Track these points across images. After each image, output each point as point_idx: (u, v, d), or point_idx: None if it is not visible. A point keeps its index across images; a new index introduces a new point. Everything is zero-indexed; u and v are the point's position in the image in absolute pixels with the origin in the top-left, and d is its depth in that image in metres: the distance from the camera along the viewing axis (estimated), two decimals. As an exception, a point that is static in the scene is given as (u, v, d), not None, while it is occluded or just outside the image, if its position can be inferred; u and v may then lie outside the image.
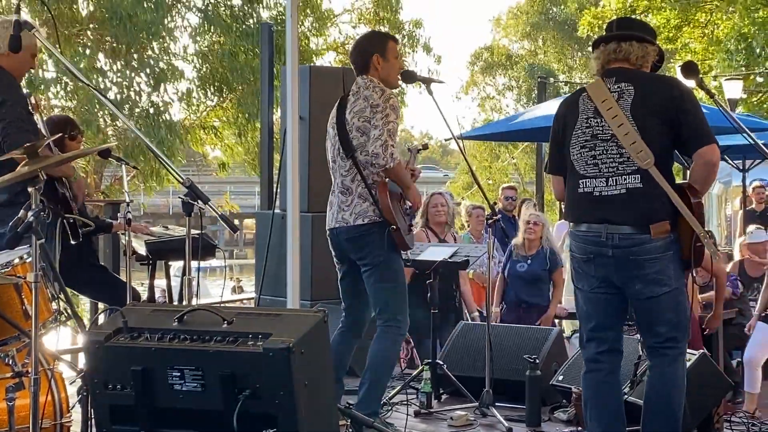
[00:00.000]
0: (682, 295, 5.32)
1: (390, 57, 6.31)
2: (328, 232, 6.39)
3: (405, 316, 6.28)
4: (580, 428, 6.43)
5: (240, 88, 25.59)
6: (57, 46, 5.05)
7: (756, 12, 26.05)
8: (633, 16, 27.71)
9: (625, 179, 5.16)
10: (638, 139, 5.09)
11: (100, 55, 24.19)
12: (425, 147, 6.90)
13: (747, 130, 6.11)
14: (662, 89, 5.26)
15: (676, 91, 5.24)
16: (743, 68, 25.68)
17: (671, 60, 30.38)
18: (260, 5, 25.42)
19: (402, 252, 6.34)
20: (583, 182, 5.28)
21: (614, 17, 29.18)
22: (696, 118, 5.19)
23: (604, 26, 5.86)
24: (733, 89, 22.39)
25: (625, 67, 5.36)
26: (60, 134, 5.48)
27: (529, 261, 9.64)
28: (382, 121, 6.01)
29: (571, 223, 5.46)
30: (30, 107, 5.75)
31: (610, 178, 5.19)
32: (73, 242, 5.33)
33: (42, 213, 4.26)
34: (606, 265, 5.22)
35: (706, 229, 5.14)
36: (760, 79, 26.23)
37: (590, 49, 5.93)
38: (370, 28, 30.44)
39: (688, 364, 6.41)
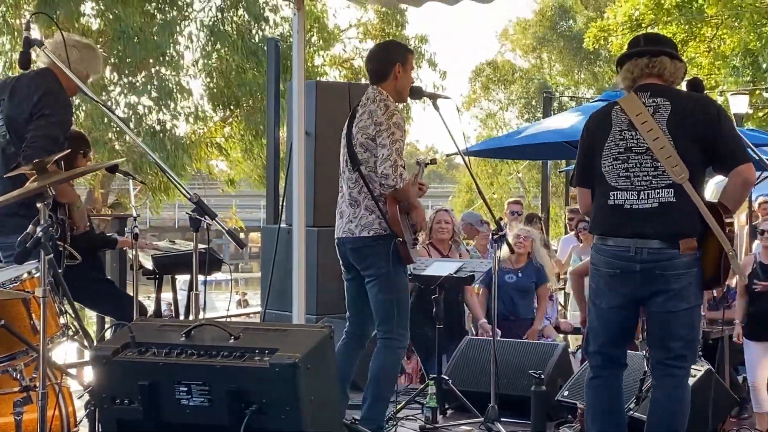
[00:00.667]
0: (699, 314, 5.37)
1: (408, 69, 6.36)
2: (336, 241, 6.38)
3: (405, 329, 6.28)
4: (585, 443, 6.45)
5: (247, 103, 25.69)
6: (68, 61, 5.04)
7: (762, 27, 26.07)
8: (646, 30, 27.91)
9: (658, 193, 5.14)
10: (674, 154, 5.08)
11: (107, 71, 24.27)
12: (433, 162, 6.92)
13: (752, 145, 6.11)
14: (699, 107, 5.26)
15: (713, 109, 5.27)
16: (749, 83, 25.70)
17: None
18: (266, 23, 25.51)
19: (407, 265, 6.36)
20: (614, 194, 5.24)
21: (619, 30, 29.34)
22: (733, 137, 5.23)
23: (614, 40, 5.90)
24: (740, 104, 22.37)
25: (659, 83, 5.35)
26: (70, 150, 5.48)
27: (519, 273, 9.62)
28: (389, 140, 6.01)
29: (597, 236, 5.43)
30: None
31: (642, 192, 5.16)
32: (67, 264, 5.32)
33: (50, 228, 4.28)
34: (632, 280, 5.19)
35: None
36: (766, 95, 26.23)
37: (604, 64, 5.94)
38: (378, 41, 30.52)
39: (693, 380, 6.44)
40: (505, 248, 8.43)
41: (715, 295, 8.81)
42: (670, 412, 5.25)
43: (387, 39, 29.10)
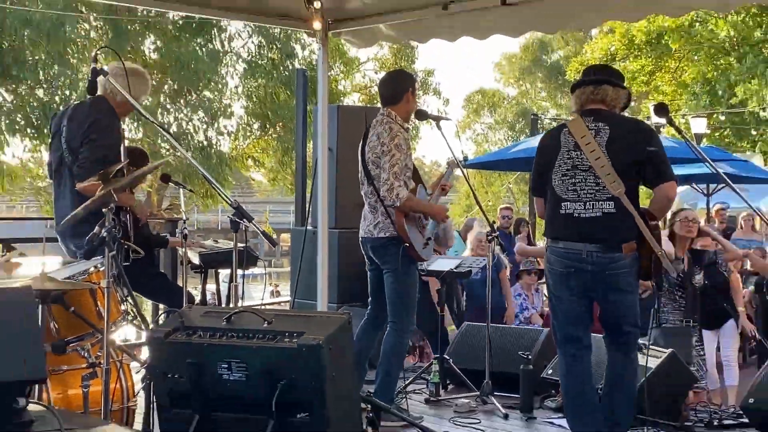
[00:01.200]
0: (638, 300, 5.47)
1: (414, 94, 6.44)
2: (360, 239, 6.42)
3: (410, 317, 6.31)
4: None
5: (279, 124, 25.83)
6: (128, 88, 5.04)
7: (718, 60, 26.06)
8: (610, 63, 27.85)
9: (601, 204, 5.20)
10: (612, 171, 5.13)
11: (162, 96, 24.45)
12: (465, 159, 6.97)
13: (710, 160, 6.09)
14: (633, 131, 5.33)
15: (645, 134, 5.35)
16: (707, 108, 25.68)
17: (645, 100, 30.43)
18: (296, 59, 25.72)
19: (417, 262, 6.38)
20: (564, 205, 5.28)
21: (597, 63, 29.22)
22: (661, 159, 5.27)
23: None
24: (699, 125, 22.44)
25: (601, 108, 5.38)
26: (133, 163, 5.53)
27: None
28: (388, 164, 6.06)
29: (551, 240, 5.47)
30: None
31: (588, 203, 5.22)
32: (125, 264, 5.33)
33: (113, 229, 4.30)
34: (585, 277, 5.27)
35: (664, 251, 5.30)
36: (722, 117, 26.18)
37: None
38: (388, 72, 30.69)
39: (658, 361, 6.43)
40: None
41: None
42: (623, 377, 5.41)
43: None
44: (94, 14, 21.81)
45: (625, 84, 5.60)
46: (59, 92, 21.88)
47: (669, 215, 7.74)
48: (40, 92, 22.20)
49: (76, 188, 5.53)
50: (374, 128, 6.26)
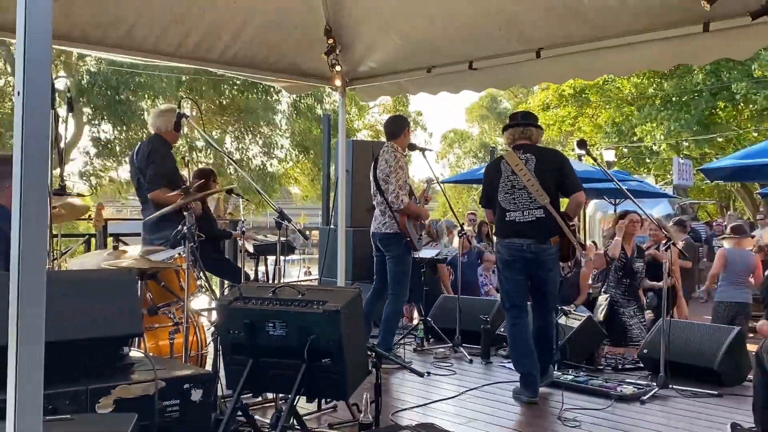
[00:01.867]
0: (558, 277, 5.71)
1: (408, 132, 6.57)
2: (371, 234, 6.51)
3: (405, 290, 6.39)
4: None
5: (312, 152, 26.01)
6: (203, 127, 5.06)
7: (623, 108, 26.14)
8: (545, 111, 27.93)
9: (533, 212, 5.30)
10: (540, 188, 5.27)
11: (230, 132, 24.68)
12: (430, 181, 7.07)
13: (617, 180, 6.13)
14: (551, 159, 5.46)
15: (560, 160, 5.50)
16: (615, 143, 25.76)
17: (570, 138, 30.44)
18: (324, 103, 25.91)
19: (413, 251, 6.44)
20: (508, 214, 5.38)
21: (536, 111, 29.16)
22: (572, 176, 5.42)
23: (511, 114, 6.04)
24: (609, 155, 22.52)
25: (528, 143, 5.51)
26: (204, 180, 5.55)
27: (466, 257, 9.60)
28: (395, 178, 6.21)
29: (500, 238, 5.56)
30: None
31: (524, 211, 5.32)
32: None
33: (191, 227, 4.29)
34: (525, 262, 5.35)
35: (578, 239, 5.62)
36: (625, 150, 26.24)
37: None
38: (391, 113, 31.21)
39: (579, 322, 6.42)
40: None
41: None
42: (547, 331, 5.56)
43: (396, 113, 29.43)
44: (184, 75, 21.91)
45: (540, 124, 5.78)
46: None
47: (617, 217, 7.92)
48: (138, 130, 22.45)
49: (149, 198, 5.58)
50: (382, 156, 6.36)
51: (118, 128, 22.59)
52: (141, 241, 5.82)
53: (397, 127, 6.51)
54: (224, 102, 24.78)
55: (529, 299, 5.57)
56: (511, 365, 6.20)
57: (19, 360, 1.94)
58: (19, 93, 1.95)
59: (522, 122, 5.58)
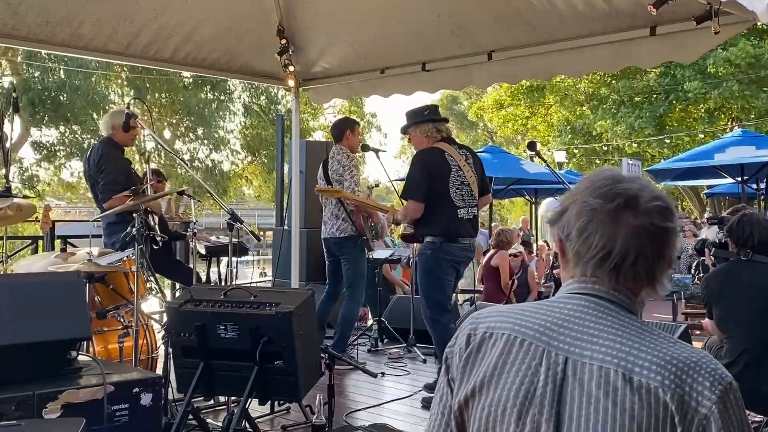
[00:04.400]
0: None
1: (355, 133, 6.44)
2: (323, 240, 6.45)
3: (362, 292, 6.37)
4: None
5: (264, 153, 25.89)
6: (153, 127, 4.96)
7: (576, 108, 26.52)
8: (498, 110, 28.20)
9: (473, 209, 5.36)
10: (476, 185, 5.36)
11: (178, 132, 24.35)
12: (377, 185, 7.10)
13: (565, 180, 6.21)
14: (477, 158, 5.58)
15: (481, 161, 5.62)
16: (568, 143, 26.10)
17: (523, 139, 30.82)
18: (279, 105, 25.80)
19: (367, 252, 6.45)
20: (459, 211, 5.26)
21: (489, 109, 29.46)
22: (485, 178, 5.61)
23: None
24: (560, 155, 22.82)
25: (453, 139, 5.57)
26: (155, 180, 5.46)
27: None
28: (350, 176, 6.17)
29: (446, 237, 5.20)
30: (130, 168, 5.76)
31: (467, 208, 5.31)
32: (155, 247, 5.26)
33: (141, 229, 4.26)
34: (465, 263, 5.44)
35: None
36: (576, 151, 26.62)
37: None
38: (345, 114, 31.13)
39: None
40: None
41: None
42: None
43: (351, 114, 29.46)
44: (124, 73, 21.60)
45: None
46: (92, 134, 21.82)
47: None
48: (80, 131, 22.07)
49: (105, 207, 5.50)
50: (333, 157, 6.34)
51: (59, 130, 22.16)
52: (102, 243, 5.74)
53: (340, 129, 6.45)
54: (175, 101, 24.48)
55: None
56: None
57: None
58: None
59: (444, 117, 5.59)
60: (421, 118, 5.43)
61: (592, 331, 1.34)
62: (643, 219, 1.35)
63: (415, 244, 6.30)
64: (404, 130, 5.58)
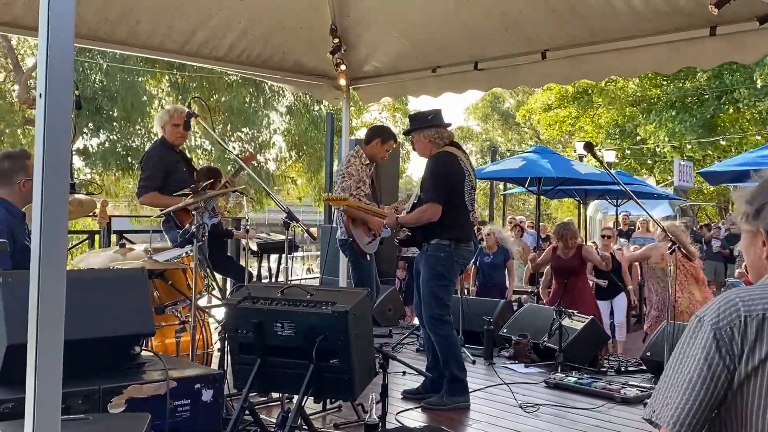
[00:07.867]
0: None
1: (383, 146, 6.23)
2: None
3: (371, 290, 6.19)
4: (517, 361, 6.45)
5: (308, 152, 26.02)
6: (212, 126, 5.06)
7: (625, 109, 26.20)
8: (546, 112, 27.96)
9: (475, 213, 5.33)
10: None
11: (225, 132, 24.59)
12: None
13: (620, 181, 6.12)
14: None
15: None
16: (617, 143, 25.85)
17: (571, 138, 30.49)
18: (321, 103, 25.91)
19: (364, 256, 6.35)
20: (470, 215, 5.21)
21: (537, 111, 29.20)
22: None
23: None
24: (609, 156, 22.60)
25: (459, 143, 5.43)
26: (212, 180, 5.46)
27: (491, 255, 9.64)
28: (340, 180, 6.19)
29: (457, 240, 5.12)
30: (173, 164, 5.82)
31: (473, 213, 5.28)
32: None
33: (200, 227, 4.32)
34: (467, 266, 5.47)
35: None
36: (628, 151, 26.32)
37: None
38: (389, 113, 31.21)
39: (582, 325, 6.45)
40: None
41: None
42: None
43: (395, 111, 29.47)
44: (170, 71, 21.81)
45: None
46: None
47: (600, 225, 8.00)
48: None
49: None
50: (346, 156, 6.41)
51: (100, 139, 22.37)
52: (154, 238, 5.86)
53: (372, 134, 6.34)
54: (219, 101, 24.72)
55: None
56: (514, 366, 6.23)
57: (39, 359, 1.95)
58: (41, 95, 1.96)
59: (448, 123, 5.35)
60: (426, 124, 5.29)
61: None
62: None
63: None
64: (407, 134, 5.45)
